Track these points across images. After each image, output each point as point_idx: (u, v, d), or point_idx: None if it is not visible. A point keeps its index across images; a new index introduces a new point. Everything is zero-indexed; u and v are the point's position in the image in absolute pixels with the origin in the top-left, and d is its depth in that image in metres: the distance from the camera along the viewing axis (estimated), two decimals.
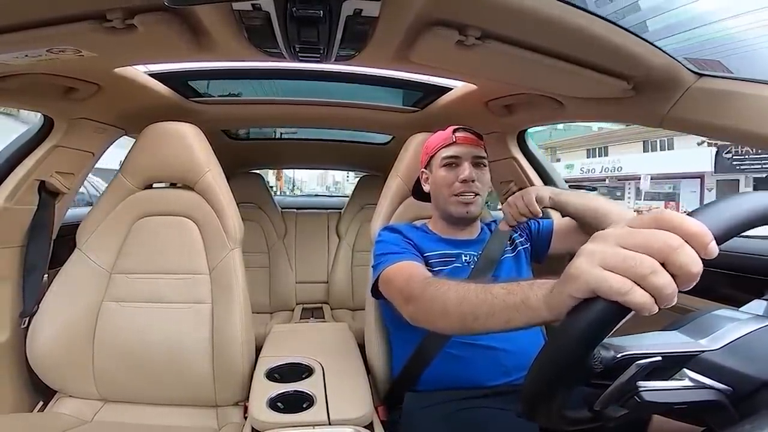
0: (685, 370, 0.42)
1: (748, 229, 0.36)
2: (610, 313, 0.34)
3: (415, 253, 0.87)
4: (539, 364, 0.40)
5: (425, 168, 0.99)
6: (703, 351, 0.42)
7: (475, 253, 0.93)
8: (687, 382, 0.42)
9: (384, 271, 0.82)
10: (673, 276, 0.33)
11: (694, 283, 0.33)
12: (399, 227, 0.96)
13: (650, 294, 0.33)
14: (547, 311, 0.42)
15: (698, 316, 0.47)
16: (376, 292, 0.87)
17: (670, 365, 0.42)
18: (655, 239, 0.33)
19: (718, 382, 0.41)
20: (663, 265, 0.33)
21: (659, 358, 0.39)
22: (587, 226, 0.96)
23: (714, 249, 0.32)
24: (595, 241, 0.37)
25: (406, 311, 0.71)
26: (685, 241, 0.33)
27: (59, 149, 1.08)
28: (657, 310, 0.33)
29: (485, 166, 0.94)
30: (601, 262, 0.35)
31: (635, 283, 0.33)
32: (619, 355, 0.37)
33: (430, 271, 0.88)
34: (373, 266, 0.90)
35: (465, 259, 0.92)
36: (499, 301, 0.49)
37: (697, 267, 0.32)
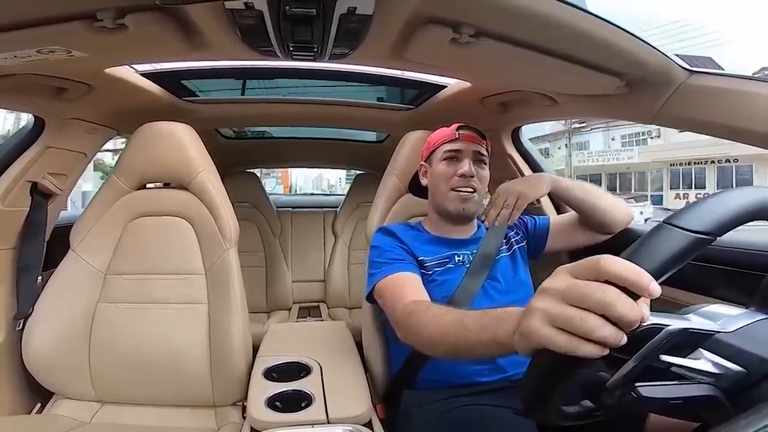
0: (701, 349, 0.43)
1: (684, 263, 0.38)
2: (565, 361, 0.36)
3: (408, 260, 0.88)
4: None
5: (425, 162, 1.00)
6: (719, 332, 0.42)
7: (469, 252, 0.93)
8: (687, 371, 0.42)
9: (377, 283, 0.85)
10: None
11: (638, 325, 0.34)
12: (393, 228, 0.96)
13: (597, 343, 0.34)
14: (516, 349, 0.43)
15: (704, 306, 0.48)
16: (371, 298, 0.89)
17: (689, 342, 0.42)
18: (593, 295, 0.34)
19: (734, 363, 0.41)
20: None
21: (685, 327, 0.40)
22: (585, 219, 0.97)
23: (655, 289, 0.33)
24: (541, 296, 0.39)
25: (396, 332, 0.75)
26: (626, 287, 0.33)
27: (51, 150, 1.07)
28: (607, 352, 0.35)
29: (486, 164, 0.95)
30: (549, 321, 0.36)
31: (581, 337, 0.34)
32: (643, 325, 0.36)
33: (425, 273, 0.89)
34: (367, 273, 0.90)
35: (458, 260, 0.92)
36: (475, 337, 0.52)
37: (634, 315, 0.33)
